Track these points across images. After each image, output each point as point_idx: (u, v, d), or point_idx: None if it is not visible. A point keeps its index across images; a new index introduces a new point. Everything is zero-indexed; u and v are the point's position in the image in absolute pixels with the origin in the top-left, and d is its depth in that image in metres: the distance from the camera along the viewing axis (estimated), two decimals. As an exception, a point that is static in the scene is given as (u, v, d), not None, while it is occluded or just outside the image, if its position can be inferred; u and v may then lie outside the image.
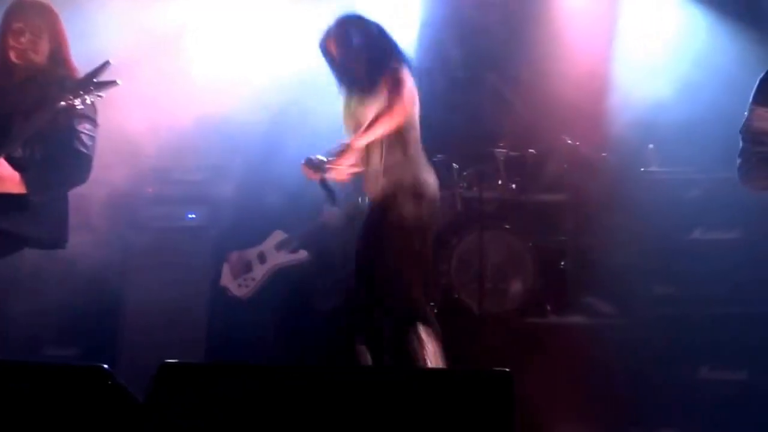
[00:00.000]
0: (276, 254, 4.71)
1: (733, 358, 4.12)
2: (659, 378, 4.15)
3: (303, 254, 4.69)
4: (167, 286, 4.49)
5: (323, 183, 3.46)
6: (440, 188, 5.04)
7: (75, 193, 3.41)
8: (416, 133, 3.45)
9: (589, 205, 5.13)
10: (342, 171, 3.40)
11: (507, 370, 1.89)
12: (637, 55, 5.44)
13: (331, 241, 4.65)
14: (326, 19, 3.45)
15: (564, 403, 4.05)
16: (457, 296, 4.87)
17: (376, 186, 3.41)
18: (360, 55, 3.40)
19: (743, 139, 3.43)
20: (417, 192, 3.36)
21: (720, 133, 4.14)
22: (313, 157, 3.40)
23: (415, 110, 3.42)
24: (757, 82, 3.51)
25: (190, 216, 4.74)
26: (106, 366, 1.98)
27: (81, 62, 3.29)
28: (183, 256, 4.62)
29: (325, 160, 3.37)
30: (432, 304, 4.95)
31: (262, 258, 4.72)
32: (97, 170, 3.33)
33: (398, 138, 3.37)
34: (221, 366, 2.14)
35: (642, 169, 4.95)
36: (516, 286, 4.82)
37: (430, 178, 3.46)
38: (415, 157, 3.44)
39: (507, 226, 5.01)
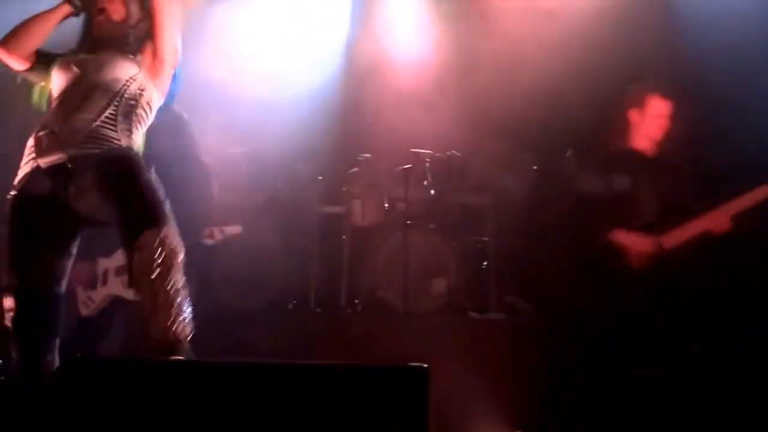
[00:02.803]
0: (114, 280, 4.00)
1: (647, 355, 4.25)
2: (578, 375, 4.26)
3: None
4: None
5: None
6: (366, 187, 5.17)
7: None
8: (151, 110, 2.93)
9: (512, 207, 5.25)
10: None
11: (425, 365, 1.89)
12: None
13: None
14: None
15: (483, 400, 4.13)
16: (381, 294, 4.91)
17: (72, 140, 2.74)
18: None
19: None
20: None
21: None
22: None
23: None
24: None
25: None
26: None
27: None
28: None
29: None
30: (356, 301, 5.02)
31: (104, 278, 4.08)
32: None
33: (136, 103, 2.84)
34: (127, 361, 2.14)
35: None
36: (440, 285, 4.89)
37: None
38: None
39: (432, 226, 5.08)
